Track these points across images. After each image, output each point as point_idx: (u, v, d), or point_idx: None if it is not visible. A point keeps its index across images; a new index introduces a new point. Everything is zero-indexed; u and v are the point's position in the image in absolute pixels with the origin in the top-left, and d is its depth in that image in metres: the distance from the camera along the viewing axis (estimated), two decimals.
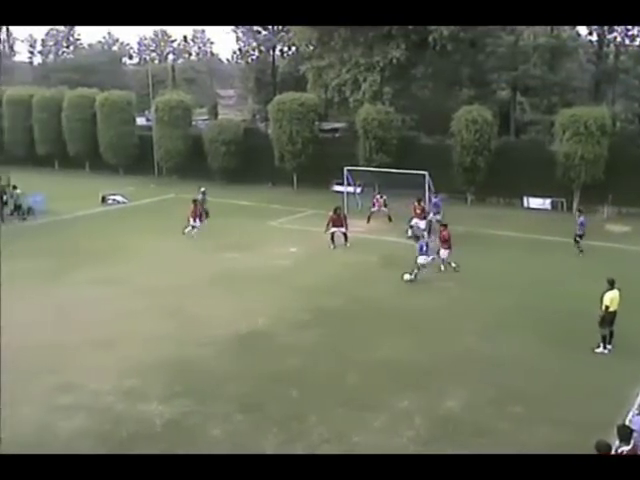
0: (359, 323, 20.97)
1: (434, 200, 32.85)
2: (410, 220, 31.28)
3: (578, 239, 27.98)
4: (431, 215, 32.07)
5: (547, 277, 25.22)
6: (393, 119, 41.47)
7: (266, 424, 14.79)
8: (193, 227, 32.00)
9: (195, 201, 32.76)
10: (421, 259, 25.21)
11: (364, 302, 22.93)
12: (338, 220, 29.88)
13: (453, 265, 26.00)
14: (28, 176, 45.55)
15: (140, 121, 59.38)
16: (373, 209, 34.42)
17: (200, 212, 32.79)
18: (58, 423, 14.95)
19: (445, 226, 26.69)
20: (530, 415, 15.08)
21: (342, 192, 37.37)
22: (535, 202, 38.25)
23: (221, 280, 25.31)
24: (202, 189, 36.07)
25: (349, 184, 37.45)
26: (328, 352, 18.74)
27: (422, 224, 31.07)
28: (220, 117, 73.61)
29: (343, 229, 29.96)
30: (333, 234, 29.75)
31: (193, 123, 52.71)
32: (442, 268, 26.21)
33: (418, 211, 31.34)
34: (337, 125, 51.65)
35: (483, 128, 37.95)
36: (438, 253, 26.21)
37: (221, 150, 46.13)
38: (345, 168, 37.21)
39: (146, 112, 69.68)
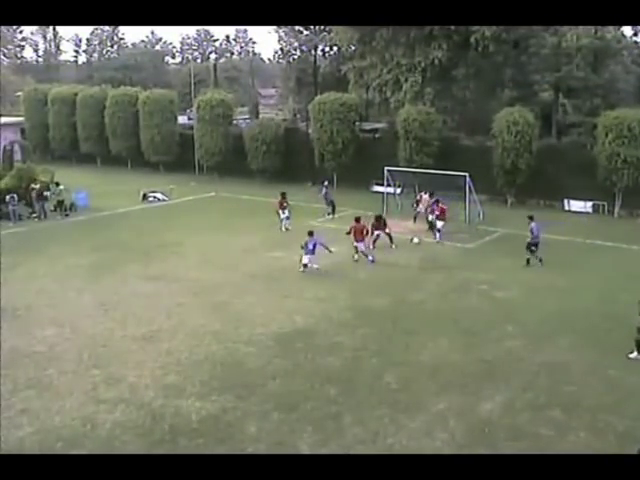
0: (401, 324, 20.86)
1: (434, 199, 32.40)
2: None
3: (533, 248, 26.58)
4: (431, 217, 32.18)
5: (590, 281, 24.94)
6: (434, 120, 41.25)
7: (302, 423, 14.82)
8: (286, 219, 32.96)
9: (283, 194, 33.31)
10: (305, 258, 25.78)
11: (407, 303, 22.86)
12: (379, 226, 29.77)
13: (369, 258, 27.21)
14: (71, 173, 46.49)
15: (182, 120, 59.85)
16: (419, 208, 34.28)
17: (330, 200, 35.63)
18: (100, 416, 15.14)
19: (358, 220, 27.57)
20: (569, 420, 14.88)
21: (382, 192, 37.31)
22: (576, 205, 37.83)
23: (264, 278, 25.46)
24: (325, 183, 36.65)
25: (389, 185, 37.37)
26: (369, 352, 18.69)
27: (440, 224, 30.98)
28: (261, 116, 73.97)
29: (387, 230, 29.87)
30: (376, 238, 29.68)
31: (234, 122, 52.96)
32: (356, 257, 27.44)
33: (437, 212, 31.22)
34: (377, 125, 51.55)
35: (524, 130, 37.61)
36: (356, 247, 27.40)
37: (261, 149, 46.30)
38: (385, 168, 37.16)
39: (188, 111, 70.40)
